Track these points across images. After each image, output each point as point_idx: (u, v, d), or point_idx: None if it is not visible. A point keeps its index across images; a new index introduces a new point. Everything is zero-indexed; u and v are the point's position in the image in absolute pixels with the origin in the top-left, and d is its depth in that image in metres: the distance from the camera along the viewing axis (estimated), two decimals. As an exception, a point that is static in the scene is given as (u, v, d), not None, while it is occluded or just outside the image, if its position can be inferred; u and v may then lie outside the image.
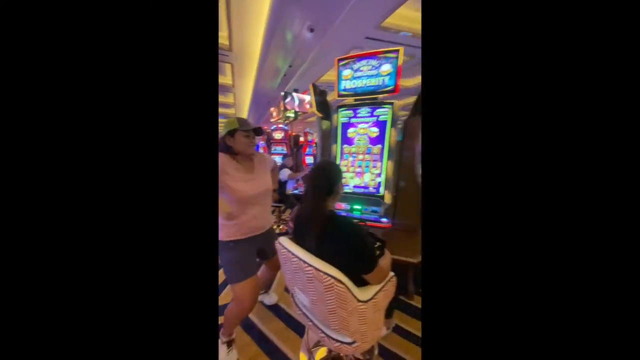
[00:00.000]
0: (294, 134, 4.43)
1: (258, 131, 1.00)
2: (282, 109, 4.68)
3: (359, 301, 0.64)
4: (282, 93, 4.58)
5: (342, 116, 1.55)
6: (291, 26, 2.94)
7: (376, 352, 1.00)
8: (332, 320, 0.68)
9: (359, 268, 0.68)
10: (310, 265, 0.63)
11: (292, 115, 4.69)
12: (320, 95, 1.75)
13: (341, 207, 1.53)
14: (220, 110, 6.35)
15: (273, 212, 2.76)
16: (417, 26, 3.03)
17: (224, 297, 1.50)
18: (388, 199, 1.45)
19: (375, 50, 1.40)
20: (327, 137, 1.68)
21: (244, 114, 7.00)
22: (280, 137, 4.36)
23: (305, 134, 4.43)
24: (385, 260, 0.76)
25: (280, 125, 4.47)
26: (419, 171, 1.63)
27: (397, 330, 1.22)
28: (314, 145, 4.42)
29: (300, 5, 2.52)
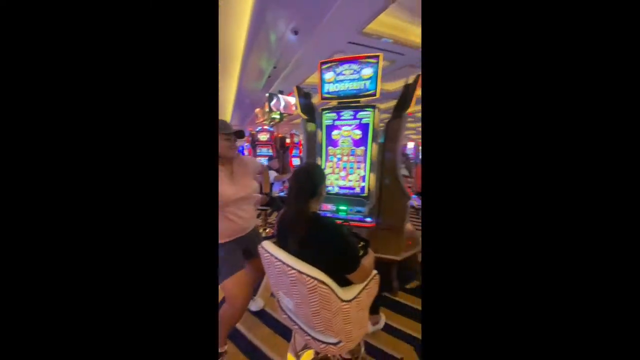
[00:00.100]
0: (280, 135, 4.39)
1: (239, 134, 0.98)
2: (267, 110, 4.62)
3: (343, 301, 0.65)
4: (267, 94, 4.52)
5: (326, 118, 1.57)
6: (275, 27, 2.93)
7: (363, 350, 1.02)
8: (317, 321, 0.68)
9: (342, 268, 0.69)
10: (293, 268, 0.63)
11: (278, 116, 4.65)
12: (304, 97, 1.76)
13: (327, 208, 1.54)
14: (202, 111, 6.07)
15: (259, 215, 2.71)
16: (398, 33, 3.17)
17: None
18: (371, 199, 1.49)
19: (356, 55, 1.45)
20: (312, 139, 1.69)
21: (228, 114, 6.80)
22: (265, 139, 4.29)
23: (292, 136, 4.40)
24: (368, 260, 0.78)
25: (266, 127, 4.40)
26: (401, 172, 1.70)
27: (384, 327, 1.26)
28: (301, 147, 4.41)
29: (284, 7, 2.52)
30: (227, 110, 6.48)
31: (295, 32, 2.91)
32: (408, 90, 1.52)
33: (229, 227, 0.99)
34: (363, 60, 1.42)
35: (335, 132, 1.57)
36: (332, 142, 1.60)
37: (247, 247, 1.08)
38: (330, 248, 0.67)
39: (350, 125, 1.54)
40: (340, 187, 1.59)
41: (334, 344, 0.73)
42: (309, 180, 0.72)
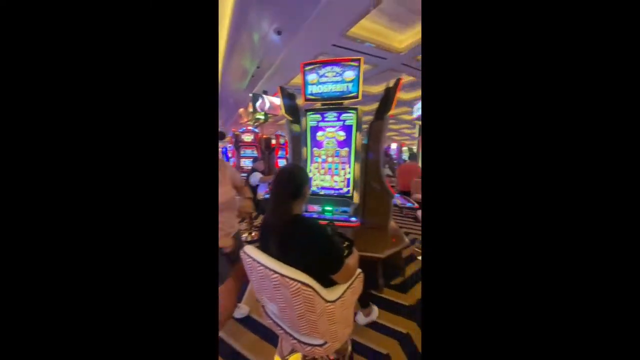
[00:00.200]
0: (265, 136, 4.31)
1: (219, 136, 0.95)
2: (251, 110, 4.51)
3: (327, 301, 0.65)
4: (251, 94, 4.42)
5: (310, 120, 1.58)
6: (258, 27, 2.88)
7: (350, 348, 1.03)
8: (302, 324, 0.68)
9: (327, 269, 0.69)
10: (276, 272, 0.62)
11: (262, 117, 4.57)
12: (289, 98, 1.75)
13: (313, 209, 1.54)
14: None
15: (243, 219, 2.63)
16: (380, 38, 3.28)
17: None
18: (356, 199, 1.52)
19: (338, 58, 1.47)
20: (297, 140, 1.69)
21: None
22: (249, 140, 4.19)
23: (277, 137, 4.35)
24: (352, 259, 0.79)
25: (250, 128, 4.30)
26: (384, 172, 1.75)
27: (371, 324, 1.28)
28: (287, 148, 4.38)
29: (266, 7, 2.49)
30: (208, 111, 6.21)
31: (279, 32, 2.89)
32: (389, 94, 1.58)
33: None
34: (345, 63, 1.45)
35: (319, 134, 1.59)
36: (317, 144, 1.61)
37: (228, 254, 1.05)
38: (314, 249, 0.67)
39: (334, 126, 1.56)
40: (326, 188, 1.60)
41: (320, 346, 0.73)
42: (291, 182, 0.71)
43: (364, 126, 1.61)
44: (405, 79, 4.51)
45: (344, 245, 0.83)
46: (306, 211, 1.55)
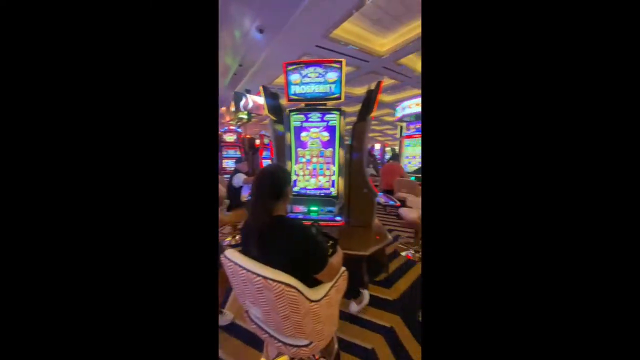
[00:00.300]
0: (248, 136, 4.20)
1: None
2: (233, 110, 4.37)
3: (312, 301, 0.65)
4: (234, 93, 4.28)
5: (294, 120, 1.57)
6: (239, 23, 2.80)
7: (336, 346, 1.04)
8: (286, 326, 0.67)
9: (311, 268, 0.70)
10: (259, 275, 0.61)
11: (245, 117, 4.44)
12: (271, 97, 1.72)
13: (299, 210, 1.54)
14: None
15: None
16: (362, 41, 3.36)
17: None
18: (341, 198, 1.54)
19: (320, 59, 1.48)
20: (282, 140, 1.67)
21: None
22: (232, 140, 4.05)
23: (262, 137, 4.26)
24: (337, 258, 0.80)
25: (232, 127, 4.16)
26: (369, 171, 1.80)
27: (356, 320, 1.31)
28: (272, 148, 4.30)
29: (247, 4, 2.43)
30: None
31: (261, 31, 2.83)
32: (371, 96, 1.63)
33: None
34: (327, 64, 1.47)
35: (304, 134, 1.58)
36: (301, 144, 1.60)
37: None
38: (299, 249, 0.67)
39: (318, 127, 1.56)
40: (311, 189, 1.60)
41: (306, 346, 0.73)
42: (272, 183, 0.70)
43: (348, 127, 1.64)
44: (387, 81, 4.67)
45: (329, 244, 0.83)
46: (292, 212, 1.54)
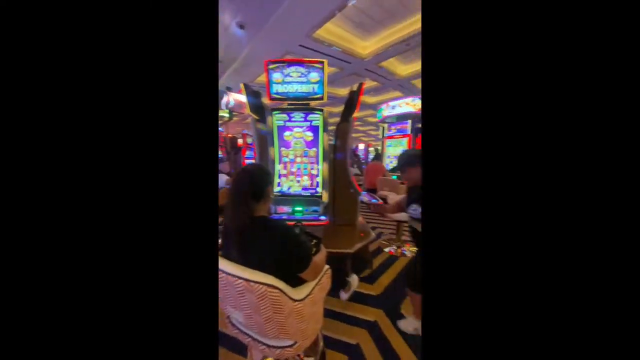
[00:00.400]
0: (230, 135, 4.05)
1: None
2: (213, 107, 4.17)
3: (295, 301, 0.65)
4: (213, 90, 4.09)
5: (277, 119, 1.55)
6: (219, 19, 2.68)
7: (322, 344, 1.05)
8: (270, 328, 0.67)
9: (295, 268, 0.69)
10: (240, 278, 0.59)
11: (227, 115, 4.27)
12: (253, 95, 1.68)
13: (283, 210, 1.52)
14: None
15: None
16: (345, 43, 3.42)
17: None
18: (325, 198, 1.56)
19: (302, 59, 1.48)
20: (264, 140, 1.63)
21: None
22: (213, 140, 3.87)
23: (244, 136, 4.13)
24: (320, 256, 0.81)
25: (213, 126, 3.97)
26: (353, 171, 1.84)
27: (341, 317, 1.33)
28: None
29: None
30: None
31: (242, 27, 2.75)
32: (353, 96, 1.67)
33: None
34: (309, 64, 1.47)
35: (287, 133, 1.57)
36: (284, 144, 1.59)
37: None
38: (282, 250, 0.67)
39: (301, 127, 1.56)
40: (296, 189, 1.60)
41: (290, 346, 0.72)
42: (251, 184, 0.69)
43: (331, 127, 1.66)
44: (370, 83, 4.80)
45: (312, 243, 0.84)
46: (276, 212, 1.52)
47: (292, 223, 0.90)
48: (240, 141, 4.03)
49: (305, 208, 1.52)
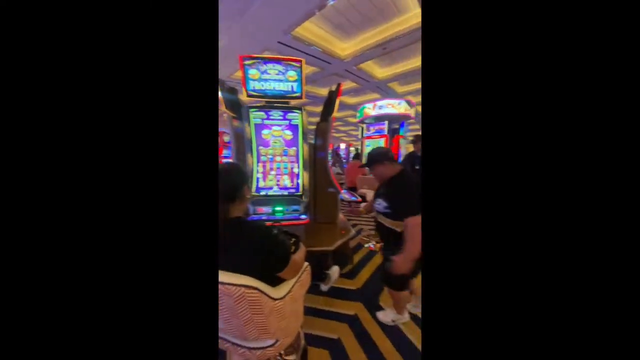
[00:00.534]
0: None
1: None
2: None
3: (275, 299, 0.65)
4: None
5: (254, 117, 1.51)
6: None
7: (303, 342, 1.05)
8: (250, 329, 0.65)
9: (274, 267, 0.69)
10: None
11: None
12: (229, 92, 1.61)
13: (262, 210, 1.49)
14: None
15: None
16: (325, 43, 3.44)
17: None
18: (306, 197, 1.56)
19: (280, 56, 1.46)
20: (241, 138, 1.58)
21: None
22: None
23: (221, 134, 3.92)
24: (299, 255, 0.81)
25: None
26: (335, 170, 1.87)
27: (320, 313, 1.35)
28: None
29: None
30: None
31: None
32: (332, 97, 1.70)
33: None
34: (287, 62, 1.46)
35: (265, 132, 1.54)
36: (263, 142, 1.55)
37: None
38: (261, 250, 0.66)
39: (280, 125, 1.54)
40: (275, 188, 1.57)
41: (271, 345, 0.72)
42: (225, 184, 0.66)
43: (311, 127, 1.67)
44: (350, 84, 4.92)
45: (291, 241, 0.84)
46: (255, 213, 1.48)
47: (270, 224, 0.89)
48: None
49: (285, 208, 1.51)
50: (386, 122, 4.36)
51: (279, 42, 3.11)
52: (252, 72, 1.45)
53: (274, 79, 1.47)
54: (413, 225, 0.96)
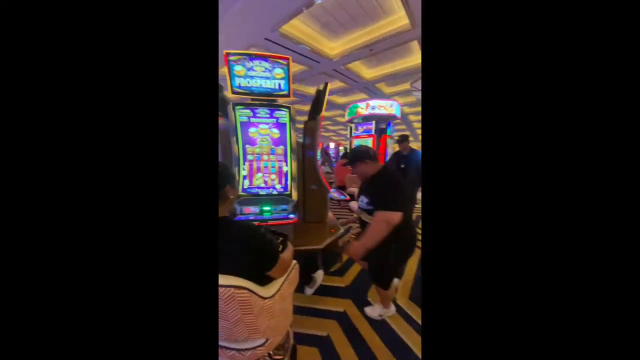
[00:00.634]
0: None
1: None
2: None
3: (265, 298, 0.65)
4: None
5: (240, 115, 1.47)
6: None
7: (292, 341, 1.05)
8: (239, 330, 0.64)
9: (263, 267, 0.68)
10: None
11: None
12: (214, 89, 1.56)
13: (249, 210, 1.46)
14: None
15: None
16: (313, 42, 3.43)
17: None
18: (295, 196, 1.56)
19: (266, 53, 1.44)
20: (226, 136, 1.54)
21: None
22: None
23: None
24: (287, 253, 0.81)
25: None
26: (324, 169, 1.88)
27: (309, 312, 1.35)
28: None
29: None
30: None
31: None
32: (320, 96, 1.70)
33: None
34: (273, 59, 1.44)
35: (252, 130, 1.51)
36: (249, 141, 1.52)
37: None
38: (248, 250, 0.65)
39: (267, 123, 1.52)
40: (262, 188, 1.55)
41: (261, 345, 0.71)
42: None
43: (299, 125, 1.67)
44: (339, 84, 4.95)
45: (279, 240, 0.84)
46: (242, 213, 1.45)
47: (258, 224, 0.88)
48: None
49: (273, 207, 1.49)
50: (373, 122, 4.45)
51: (266, 39, 3.05)
52: (238, 69, 1.41)
53: (261, 76, 1.44)
54: (379, 220, 0.99)
